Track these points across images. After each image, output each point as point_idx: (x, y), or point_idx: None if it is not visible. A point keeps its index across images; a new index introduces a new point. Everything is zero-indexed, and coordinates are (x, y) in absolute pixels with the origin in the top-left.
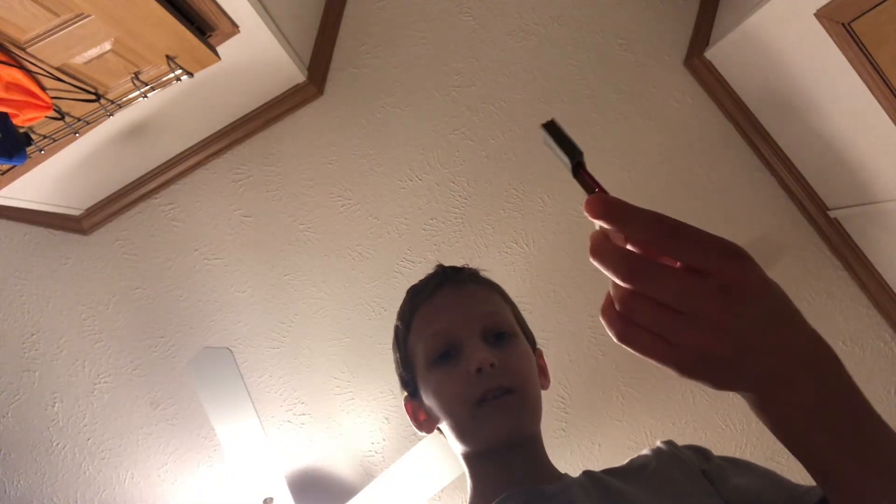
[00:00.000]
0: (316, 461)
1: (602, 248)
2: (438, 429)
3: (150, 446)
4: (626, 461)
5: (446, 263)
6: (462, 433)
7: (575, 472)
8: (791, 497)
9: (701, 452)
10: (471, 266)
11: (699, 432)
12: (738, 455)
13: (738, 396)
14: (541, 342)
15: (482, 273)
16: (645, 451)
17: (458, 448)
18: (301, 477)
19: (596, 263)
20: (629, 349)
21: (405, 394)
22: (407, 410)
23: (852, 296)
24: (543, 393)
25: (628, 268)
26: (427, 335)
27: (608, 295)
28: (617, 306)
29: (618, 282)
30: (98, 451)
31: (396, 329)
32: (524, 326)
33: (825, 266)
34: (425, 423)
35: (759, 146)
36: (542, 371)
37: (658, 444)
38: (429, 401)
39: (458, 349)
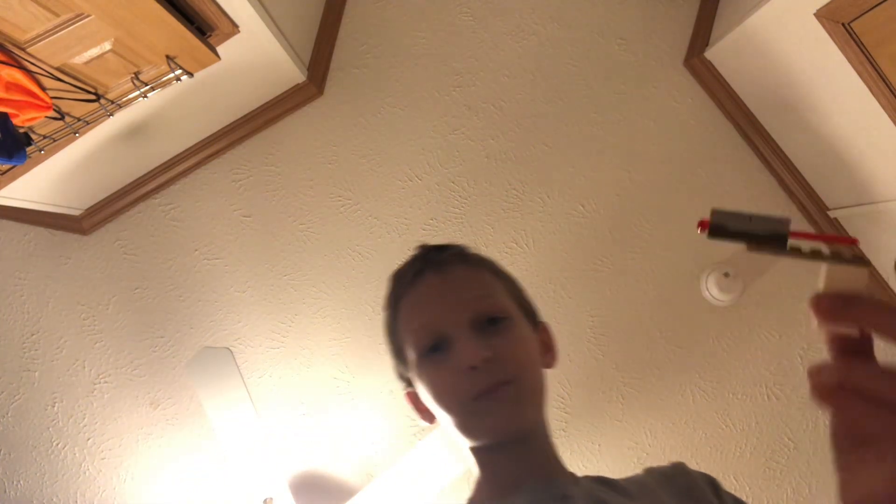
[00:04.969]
0: (316, 461)
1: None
2: None
3: (150, 446)
4: (640, 472)
5: None
6: (461, 429)
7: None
8: None
9: (713, 485)
10: (456, 243)
11: (699, 432)
12: (738, 455)
13: (738, 396)
14: None
15: (469, 250)
16: (657, 467)
17: (460, 441)
18: (301, 477)
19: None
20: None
21: (403, 383)
22: (408, 401)
23: None
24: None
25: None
26: (413, 328)
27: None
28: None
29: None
30: (98, 451)
31: (385, 321)
32: (522, 301)
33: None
34: (427, 413)
35: (759, 146)
36: (547, 347)
37: (670, 464)
38: (423, 395)
39: (449, 342)
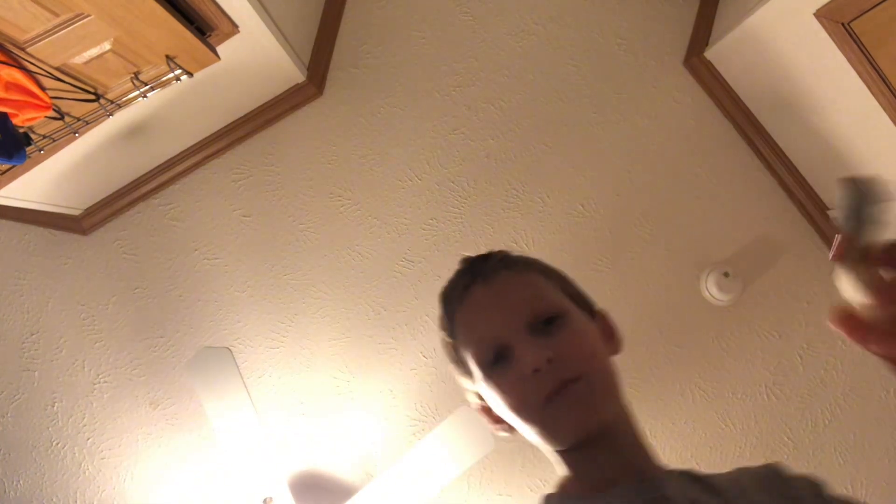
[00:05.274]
0: (316, 461)
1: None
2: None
3: (150, 446)
4: (732, 470)
5: (449, 262)
6: (543, 436)
7: None
8: None
9: (815, 488)
10: (498, 249)
11: (699, 432)
12: (737, 455)
13: (738, 396)
14: None
15: (513, 254)
16: (749, 467)
17: (543, 447)
18: (301, 477)
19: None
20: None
21: (475, 399)
22: (482, 415)
23: None
24: None
25: None
26: (472, 343)
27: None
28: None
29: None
30: (98, 451)
31: (444, 341)
32: (574, 294)
33: (825, 266)
34: (504, 424)
35: (759, 146)
36: (609, 334)
37: (762, 465)
38: (496, 407)
39: (509, 350)
